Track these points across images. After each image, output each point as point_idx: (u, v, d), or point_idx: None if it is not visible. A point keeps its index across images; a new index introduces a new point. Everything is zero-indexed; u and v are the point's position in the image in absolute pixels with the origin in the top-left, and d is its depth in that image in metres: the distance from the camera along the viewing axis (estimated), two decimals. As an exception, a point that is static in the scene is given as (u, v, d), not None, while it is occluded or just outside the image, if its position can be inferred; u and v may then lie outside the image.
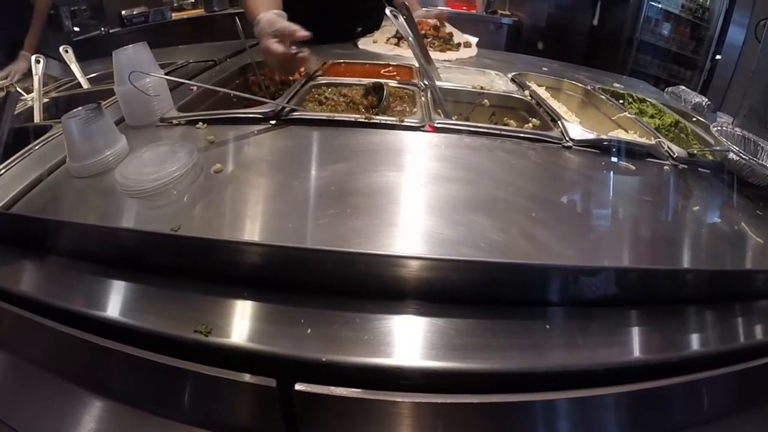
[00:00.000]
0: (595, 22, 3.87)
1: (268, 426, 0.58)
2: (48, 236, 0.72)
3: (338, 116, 1.04)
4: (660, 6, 3.67)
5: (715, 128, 1.06)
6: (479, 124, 1.04)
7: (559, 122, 1.10)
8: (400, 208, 0.77)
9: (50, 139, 1.00)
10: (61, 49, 1.56)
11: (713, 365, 0.64)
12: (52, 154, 0.92)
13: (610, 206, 0.87)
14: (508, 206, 0.80)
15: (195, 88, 1.21)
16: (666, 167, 1.02)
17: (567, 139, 1.02)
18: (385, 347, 0.57)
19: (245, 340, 0.58)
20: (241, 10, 1.38)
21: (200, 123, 1.01)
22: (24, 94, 1.40)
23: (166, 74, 1.10)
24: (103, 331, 0.61)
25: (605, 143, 1.02)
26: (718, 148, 1.05)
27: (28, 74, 1.43)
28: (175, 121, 1.03)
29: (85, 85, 1.54)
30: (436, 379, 0.56)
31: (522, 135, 1.02)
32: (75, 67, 1.56)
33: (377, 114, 1.07)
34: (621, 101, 1.40)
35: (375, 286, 0.63)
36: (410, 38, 1.25)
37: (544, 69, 1.66)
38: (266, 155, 0.93)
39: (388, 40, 1.83)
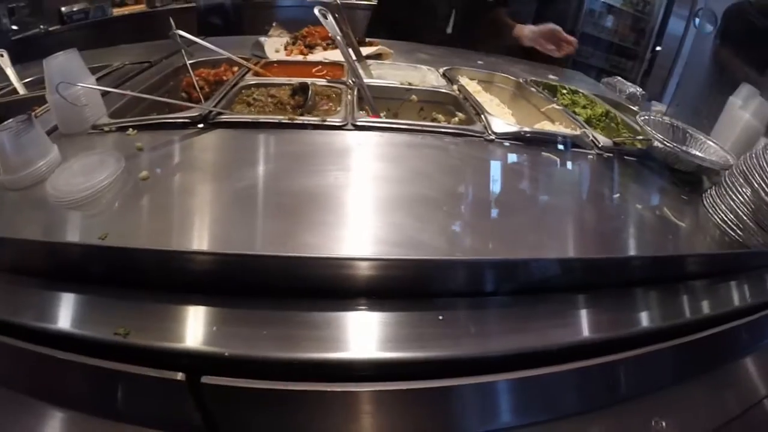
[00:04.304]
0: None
1: (188, 420, 0.60)
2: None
3: (263, 118, 1.02)
4: (602, -1, 3.76)
5: (642, 117, 1.09)
6: (402, 121, 1.05)
7: (482, 116, 1.11)
8: (322, 208, 0.77)
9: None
10: (-5, 53, 1.48)
11: (653, 341, 0.69)
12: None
13: (531, 196, 0.88)
14: (427, 202, 0.80)
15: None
16: (590, 156, 1.04)
17: (489, 132, 1.03)
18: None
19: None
20: (178, 7, 1.34)
21: (130, 129, 0.99)
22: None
23: (100, 78, 1.09)
24: (32, 338, 0.62)
25: (528, 135, 1.03)
26: (641, 137, 1.08)
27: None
28: (106, 128, 1.00)
29: (22, 90, 1.45)
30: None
31: (445, 130, 1.02)
32: (11, 72, 1.47)
33: (303, 114, 1.06)
34: (555, 93, 1.42)
35: (289, 284, 0.66)
36: (338, 37, 1.23)
37: (480, 63, 1.67)
38: (192, 160, 0.93)
39: (287, 47, 1.64)
